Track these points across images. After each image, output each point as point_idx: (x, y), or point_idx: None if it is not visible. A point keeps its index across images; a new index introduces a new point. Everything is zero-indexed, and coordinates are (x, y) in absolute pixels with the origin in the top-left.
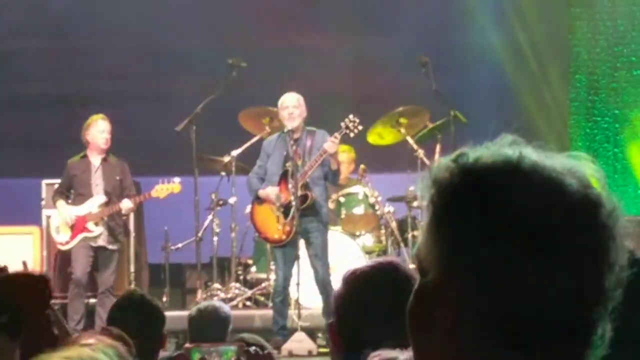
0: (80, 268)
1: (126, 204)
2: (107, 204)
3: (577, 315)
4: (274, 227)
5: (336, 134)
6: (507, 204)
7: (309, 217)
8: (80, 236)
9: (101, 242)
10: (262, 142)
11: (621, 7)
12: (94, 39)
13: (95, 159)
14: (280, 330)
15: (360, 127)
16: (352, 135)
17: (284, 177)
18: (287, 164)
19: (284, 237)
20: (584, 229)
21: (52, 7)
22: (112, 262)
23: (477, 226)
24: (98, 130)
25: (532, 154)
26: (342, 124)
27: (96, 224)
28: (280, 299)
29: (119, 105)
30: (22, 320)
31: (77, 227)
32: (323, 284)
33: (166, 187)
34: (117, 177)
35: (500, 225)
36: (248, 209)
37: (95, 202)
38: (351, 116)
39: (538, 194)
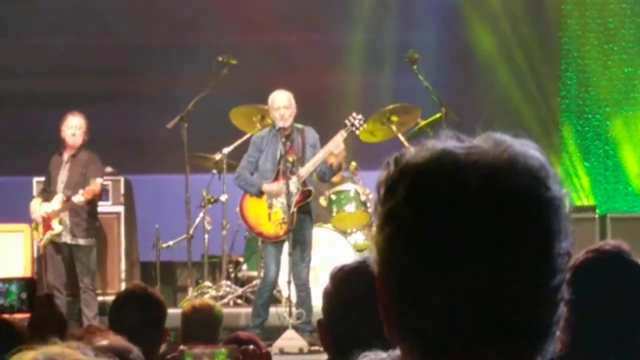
0: (50, 270)
1: (77, 198)
2: (67, 200)
3: (518, 312)
4: (272, 222)
5: (342, 132)
6: (432, 197)
7: (302, 215)
8: (47, 234)
9: (64, 238)
10: (252, 138)
11: (611, 4)
12: (85, 37)
13: (66, 156)
14: (260, 325)
15: (365, 125)
16: (357, 132)
17: (280, 174)
18: (288, 160)
19: (281, 233)
20: (518, 221)
21: (43, 3)
22: (85, 259)
23: (405, 216)
24: (66, 127)
25: (462, 147)
26: (347, 122)
27: (59, 222)
28: (269, 294)
29: (109, 103)
30: (34, 302)
31: (45, 225)
32: (305, 282)
33: (90, 189)
34: (81, 173)
35: (426, 218)
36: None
37: (57, 200)
38: (354, 114)
39: (461, 187)
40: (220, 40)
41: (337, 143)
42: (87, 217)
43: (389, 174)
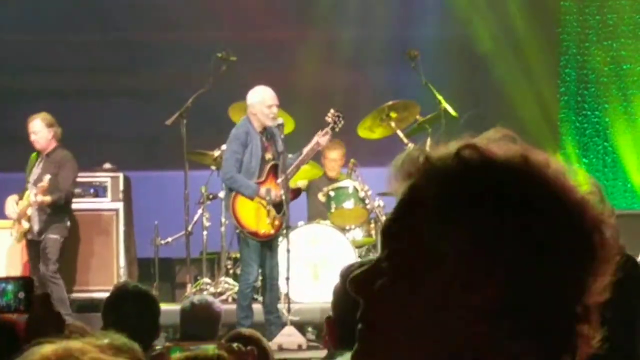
0: (30, 268)
1: (31, 198)
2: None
3: (572, 308)
4: (265, 221)
5: (327, 129)
6: (522, 199)
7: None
8: (19, 231)
9: (30, 235)
10: (235, 132)
11: (610, 1)
12: (84, 33)
13: (41, 155)
14: (251, 326)
15: (342, 121)
16: (336, 129)
17: (272, 171)
18: (268, 157)
19: (272, 231)
20: (583, 229)
21: (41, 0)
22: (49, 250)
23: (498, 217)
24: (28, 131)
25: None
26: (329, 120)
27: (27, 219)
28: (252, 293)
29: (108, 99)
30: (32, 300)
31: (19, 222)
32: (278, 277)
33: (40, 186)
34: (53, 173)
35: (516, 216)
36: None
37: (26, 197)
38: (333, 110)
39: (548, 192)
40: (219, 37)
41: (324, 141)
42: (53, 215)
43: (465, 175)
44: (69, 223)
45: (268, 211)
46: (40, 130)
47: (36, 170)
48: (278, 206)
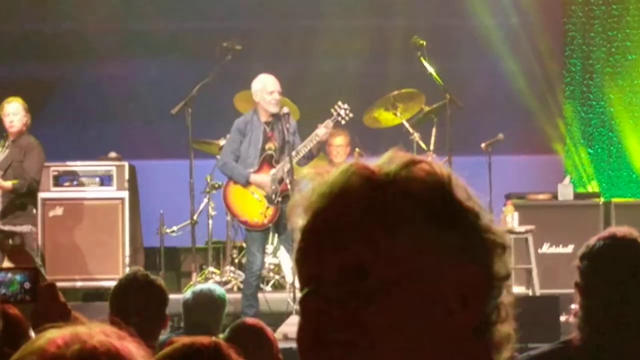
0: None
1: None
2: None
3: None
4: (256, 211)
5: (329, 122)
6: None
7: (286, 202)
8: None
9: None
10: (236, 122)
11: None
12: (90, 23)
13: (9, 140)
14: (255, 315)
15: (351, 115)
16: (343, 122)
17: (266, 161)
18: (269, 147)
19: (265, 221)
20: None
21: None
22: (27, 247)
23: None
24: (3, 114)
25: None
26: (333, 111)
27: None
28: (258, 282)
29: (113, 88)
30: (38, 291)
31: None
32: None
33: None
34: (18, 159)
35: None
36: None
37: None
38: (340, 102)
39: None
40: (225, 26)
41: (324, 133)
42: (15, 200)
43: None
44: (35, 211)
45: (260, 201)
46: (19, 112)
47: (1, 156)
48: (271, 197)
